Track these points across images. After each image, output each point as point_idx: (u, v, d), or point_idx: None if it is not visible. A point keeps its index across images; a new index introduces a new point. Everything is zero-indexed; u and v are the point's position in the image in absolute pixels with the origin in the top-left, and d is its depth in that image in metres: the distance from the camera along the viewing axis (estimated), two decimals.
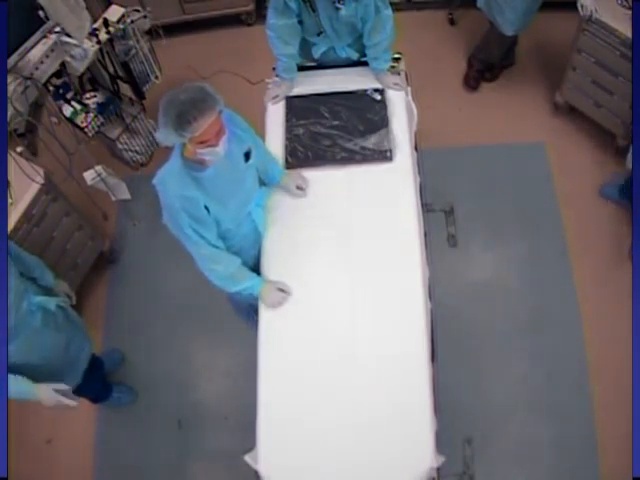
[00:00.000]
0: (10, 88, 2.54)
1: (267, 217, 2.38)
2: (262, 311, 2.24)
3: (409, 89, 2.71)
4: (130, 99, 3.34)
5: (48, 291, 2.39)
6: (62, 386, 2.23)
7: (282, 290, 2.23)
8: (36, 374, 2.27)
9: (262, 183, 2.39)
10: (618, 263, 3.15)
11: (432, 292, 2.31)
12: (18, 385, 2.17)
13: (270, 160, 2.40)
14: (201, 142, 1.91)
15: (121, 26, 2.89)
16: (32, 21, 2.58)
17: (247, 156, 2.17)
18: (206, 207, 2.05)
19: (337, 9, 2.37)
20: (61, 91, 2.99)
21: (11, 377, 2.14)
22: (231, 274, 2.18)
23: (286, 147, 2.54)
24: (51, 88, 2.91)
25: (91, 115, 3.08)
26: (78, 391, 2.64)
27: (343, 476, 2.00)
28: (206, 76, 3.78)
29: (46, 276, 2.41)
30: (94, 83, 3.15)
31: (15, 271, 2.18)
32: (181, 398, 3.05)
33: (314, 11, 2.41)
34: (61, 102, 3.02)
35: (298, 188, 2.42)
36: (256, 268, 2.32)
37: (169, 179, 2.01)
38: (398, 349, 2.13)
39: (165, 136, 1.92)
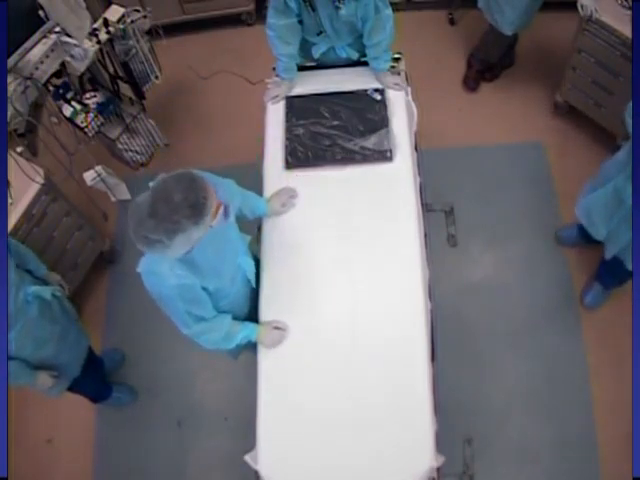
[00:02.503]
0: (10, 88, 2.53)
1: (265, 222, 2.37)
2: (262, 313, 2.24)
3: (409, 89, 2.71)
4: (130, 99, 3.34)
5: (42, 283, 2.41)
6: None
7: (278, 328, 2.17)
8: (31, 364, 2.33)
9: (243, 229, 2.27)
10: None
11: (432, 292, 2.31)
12: (20, 371, 2.27)
13: (250, 197, 2.29)
14: (214, 214, 1.77)
15: (121, 26, 2.89)
16: (32, 21, 2.58)
17: (225, 212, 1.96)
18: (204, 288, 1.96)
19: (337, 8, 2.37)
20: (61, 91, 2.98)
21: (12, 362, 2.22)
22: (225, 334, 2.10)
23: (286, 147, 2.54)
24: (51, 88, 2.91)
25: (91, 115, 3.08)
26: (77, 389, 2.64)
27: (343, 476, 2.00)
28: (206, 76, 3.79)
29: (40, 268, 2.44)
30: (94, 83, 3.15)
31: (12, 262, 2.20)
32: (181, 398, 3.05)
33: (314, 10, 2.41)
34: (61, 102, 3.02)
35: (285, 204, 2.37)
36: (249, 319, 2.23)
37: (161, 269, 1.86)
38: (398, 349, 2.13)
39: (187, 239, 1.72)
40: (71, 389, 2.60)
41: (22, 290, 2.22)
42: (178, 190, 1.68)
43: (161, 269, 1.86)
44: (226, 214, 1.93)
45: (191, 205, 1.68)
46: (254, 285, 2.25)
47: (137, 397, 3.06)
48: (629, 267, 2.56)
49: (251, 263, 2.22)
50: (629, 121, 2.16)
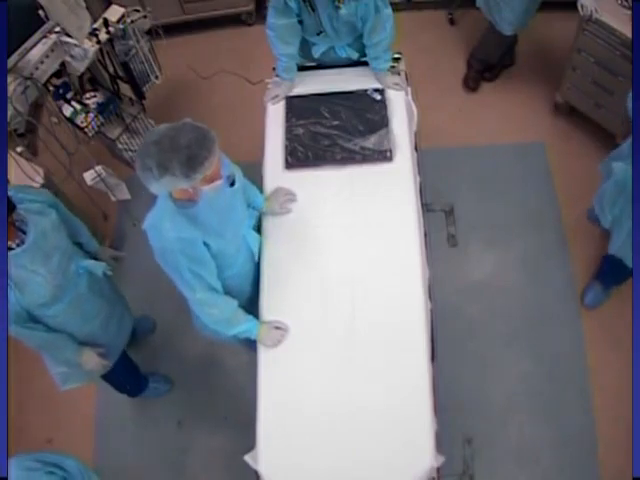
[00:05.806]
0: (10, 88, 2.54)
1: (265, 221, 2.37)
2: (263, 313, 2.24)
3: (409, 89, 2.71)
4: (130, 99, 3.34)
5: (94, 258, 2.36)
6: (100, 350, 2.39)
7: (279, 328, 2.18)
8: (77, 339, 2.29)
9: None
10: None
11: (432, 292, 2.31)
12: (64, 344, 2.24)
13: (250, 187, 2.33)
14: (208, 180, 1.85)
15: (121, 26, 2.89)
16: (32, 21, 2.58)
17: (232, 181, 2.10)
18: (206, 244, 1.98)
19: (337, 8, 2.37)
20: (61, 91, 2.98)
21: (57, 335, 2.20)
22: (227, 318, 2.12)
23: (286, 147, 2.54)
24: (51, 88, 2.91)
25: (91, 115, 3.08)
26: (113, 380, 2.65)
27: (343, 476, 2.00)
28: (206, 76, 3.79)
29: (91, 243, 2.39)
30: (94, 83, 3.15)
31: (65, 232, 2.17)
32: (181, 398, 3.06)
33: (314, 10, 2.41)
34: (61, 102, 3.02)
35: (283, 206, 2.38)
36: (251, 307, 2.25)
37: (163, 223, 1.92)
38: (398, 349, 2.13)
39: (173, 184, 1.81)
40: (108, 381, 2.58)
41: (73, 262, 2.18)
42: (188, 137, 1.75)
43: (163, 223, 1.93)
44: (232, 183, 2.08)
45: (190, 156, 1.75)
46: (257, 260, 2.30)
47: (173, 385, 3.04)
48: (629, 264, 2.57)
49: (256, 237, 2.28)
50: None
